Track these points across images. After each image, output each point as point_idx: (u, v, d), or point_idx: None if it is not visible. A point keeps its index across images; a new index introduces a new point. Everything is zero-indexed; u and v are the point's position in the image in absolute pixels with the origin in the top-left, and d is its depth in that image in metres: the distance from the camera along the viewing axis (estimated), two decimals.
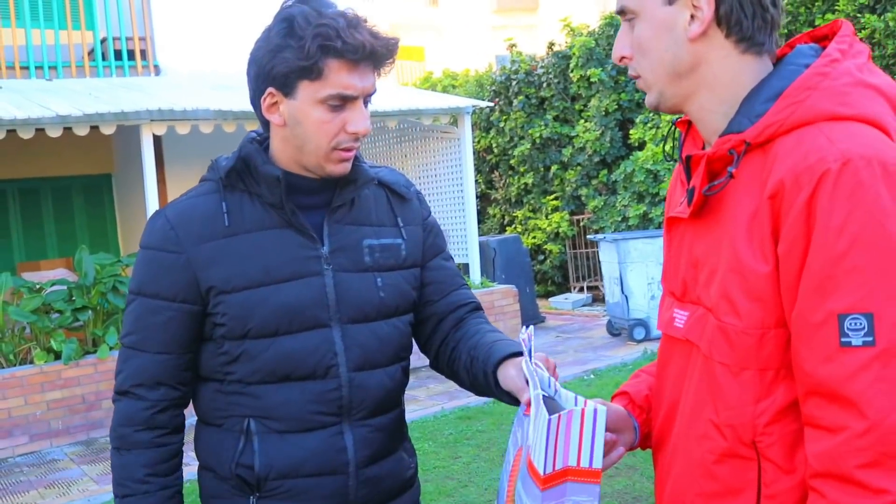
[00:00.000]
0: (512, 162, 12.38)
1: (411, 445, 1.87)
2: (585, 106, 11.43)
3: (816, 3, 8.46)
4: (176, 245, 1.66)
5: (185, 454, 1.79)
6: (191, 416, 1.78)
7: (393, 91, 10.07)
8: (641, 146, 10.55)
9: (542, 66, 11.96)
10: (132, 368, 1.70)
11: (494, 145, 12.71)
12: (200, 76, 8.98)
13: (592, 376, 7.36)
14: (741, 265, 1.21)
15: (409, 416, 7.03)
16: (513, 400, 1.61)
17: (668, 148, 1.52)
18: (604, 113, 10.87)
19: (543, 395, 1.38)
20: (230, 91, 8.22)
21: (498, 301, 8.86)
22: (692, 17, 1.26)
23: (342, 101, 1.59)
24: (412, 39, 22.22)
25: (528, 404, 1.49)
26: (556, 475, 1.35)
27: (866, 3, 7.94)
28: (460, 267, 9.75)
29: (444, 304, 1.85)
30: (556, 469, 1.35)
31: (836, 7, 8.16)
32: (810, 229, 1.13)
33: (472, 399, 6.76)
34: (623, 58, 1.35)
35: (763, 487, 1.24)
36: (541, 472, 1.35)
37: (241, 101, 7.61)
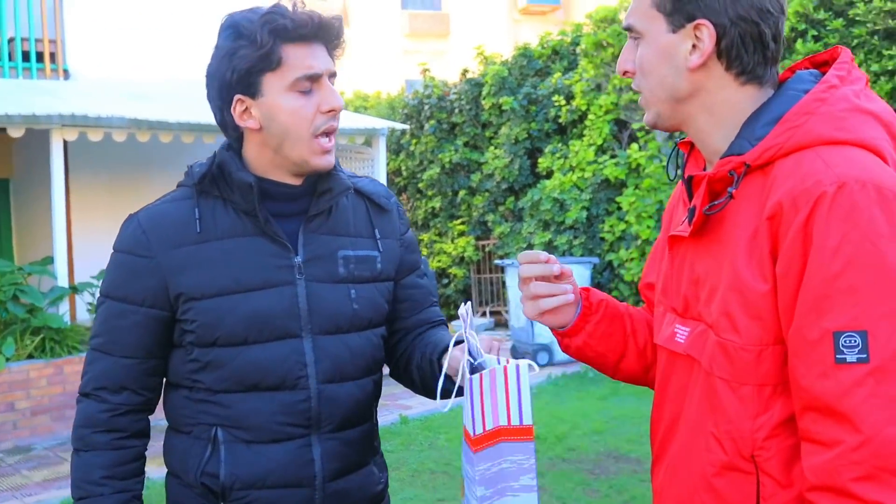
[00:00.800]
0: (420, 185, 12.45)
1: (383, 460, 1.88)
2: (496, 133, 11.61)
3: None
4: (146, 249, 1.65)
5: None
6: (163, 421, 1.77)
7: None
8: (549, 175, 10.76)
9: (454, 92, 12.09)
10: (96, 371, 1.69)
11: (404, 168, 12.76)
12: (112, 83, 8.74)
13: None
14: (741, 283, 1.26)
15: None
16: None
17: (670, 170, 1.59)
18: (514, 141, 11.05)
19: (470, 362, 1.42)
20: (144, 100, 8.04)
21: None
22: (694, 47, 1.32)
23: (309, 83, 1.60)
24: None
25: None
26: (488, 436, 1.40)
27: (820, 49, 8.35)
28: None
29: (414, 321, 1.87)
30: (486, 430, 1.40)
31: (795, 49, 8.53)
32: (807, 250, 1.18)
33: (381, 419, 6.75)
34: (626, 72, 1.42)
35: (761, 501, 1.28)
36: (471, 434, 1.40)
37: (155, 110, 7.46)
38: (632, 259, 9.38)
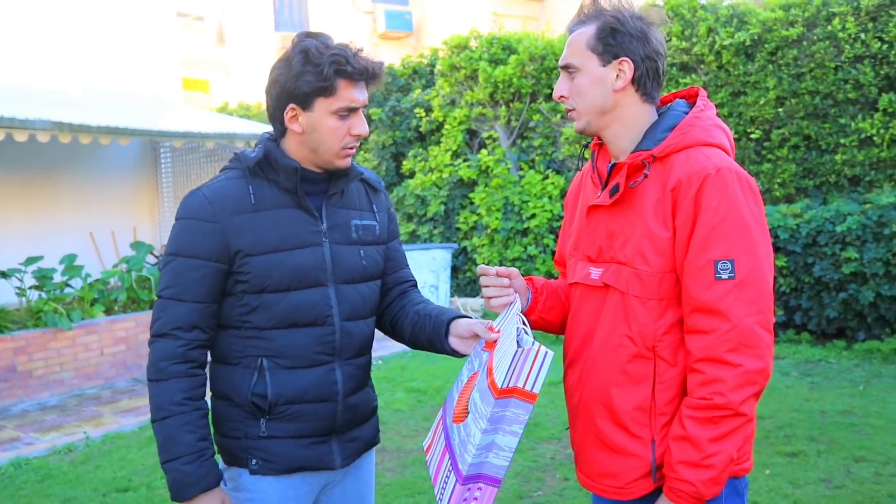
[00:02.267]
0: None
1: (373, 385, 2.08)
2: (366, 140, 11.75)
3: (554, 72, 9.35)
4: (212, 216, 1.80)
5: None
6: None
7: (212, 116, 9.85)
8: (412, 175, 11.01)
9: None
10: (171, 315, 1.81)
11: None
12: (32, 90, 8.33)
13: (380, 362, 7.64)
14: (651, 232, 1.63)
15: None
16: (452, 351, 1.90)
17: (581, 164, 1.91)
18: (381, 146, 11.23)
19: (519, 331, 1.66)
20: (64, 106, 7.72)
21: None
22: (617, 76, 1.68)
23: (348, 112, 1.81)
24: (199, 74, 21.51)
25: (487, 342, 1.78)
26: (509, 391, 1.62)
27: None
28: None
29: (394, 277, 2.09)
30: (509, 386, 1.61)
31: None
32: (697, 210, 1.58)
33: None
34: (562, 97, 1.75)
35: (657, 377, 1.65)
36: (499, 386, 1.62)
37: (75, 114, 7.20)
38: (483, 245, 9.75)
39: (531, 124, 9.73)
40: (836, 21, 7.09)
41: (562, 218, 9.30)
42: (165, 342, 1.81)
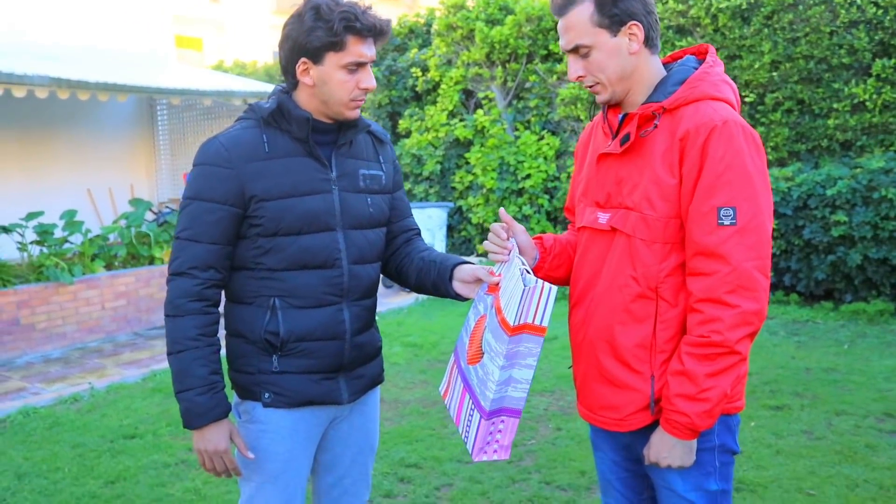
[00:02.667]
0: None
1: (377, 327, 2.20)
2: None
3: (551, 33, 9.37)
4: (228, 162, 1.89)
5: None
6: None
7: (208, 74, 9.84)
8: (408, 134, 11.04)
9: None
10: (188, 255, 1.90)
11: None
12: (24, 43, 8.30)
13: (377, 318, 7.76)
14: (658, 179, 1.71)
15: None
16: (456, 295, 2.01)
17: (592, 112, 1.99)
18: (377, 105, 11.24)
19: (523, 272, 1.76)
20: (59, 61, 7.71)
21: None
22: (630, 39, 1.74)
23: (357, 66, 1.89)
24: (192, 31, 21.34)
25: (490, 286, 1.89)
26: (520, 327, 1.73)
27: None
28: None
29: (399, 226, 2.19)
30: (520, 323, 1.73)
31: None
32: (704, 158, 1.66)
33: None
34: (579, 77, 1.80)
35: (658, 316, 1.75)
36: (511, 324, 1.73)
37: (72, 71, 7.21)
38: (478, 204, 9.84)
39: (527, 85, 9.75)
40: None
41: (556, 178, 9.39)
42: (182, 280, 1.90)
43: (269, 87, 9.00)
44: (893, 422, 4.34)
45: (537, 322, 1.74)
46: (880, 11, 6.97)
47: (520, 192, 9.59)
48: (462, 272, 2.00)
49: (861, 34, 7.03)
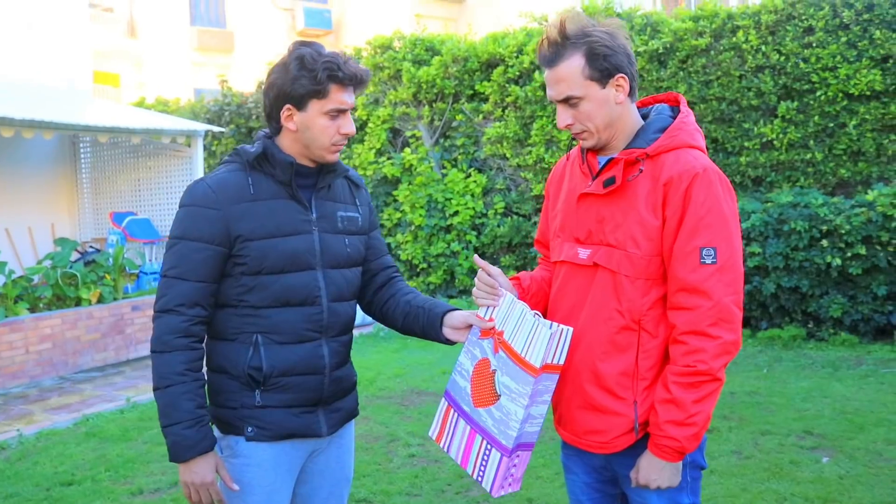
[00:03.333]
0: None
1: (352, 362, 2.27)
2: None
3: (476, 74, 9.64)
4: (216, 203, 1.97)
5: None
6: None
7: (135, 111, 9.69)
8: None
9: (251, 101, 12.09)
10: (175, 292, 1.96)
11: (206, 166, 12.55)
12: None
13: None
14: (642, 220, 1.86)
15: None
16: (446, 341, 2.13)
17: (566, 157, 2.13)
18: None
19: (537, 315, 1.90)
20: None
21: None
22: (617, 91, 1.89)
23: (338, 113, 2.01)
24: (109, 66, 20.92)
25: (482, 331, 2.01)
26: (543, 368, 1.87)
27: (512, 76, 9.22)
28: None
29: (377, 264, 2.29)
30: (543, 364, 1.86)
31: (491, 78, 9.35)
32: (687, 202, 1.82)
33: None
34: (568, 125, 1.93)
35: (640, 346, 1.89)
36: (536, 366, 1.86)
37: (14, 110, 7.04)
38: (407, 241, 9.96)
39: (454, 124, 9.99)
40: (740, 33, 7.62)
41: (484, 215, 9.61)
42: (170, 317, 1.96)
43: (197, 126, 8.94)
44: (813, 439, 4.63)
45: (556, 361, 1.89)
46: (783, 58, 7.50)
47: (448, 229, 9.77)
48: (453, 319, 2.11)
49: (767, 78, 7.54)
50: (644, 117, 2.00)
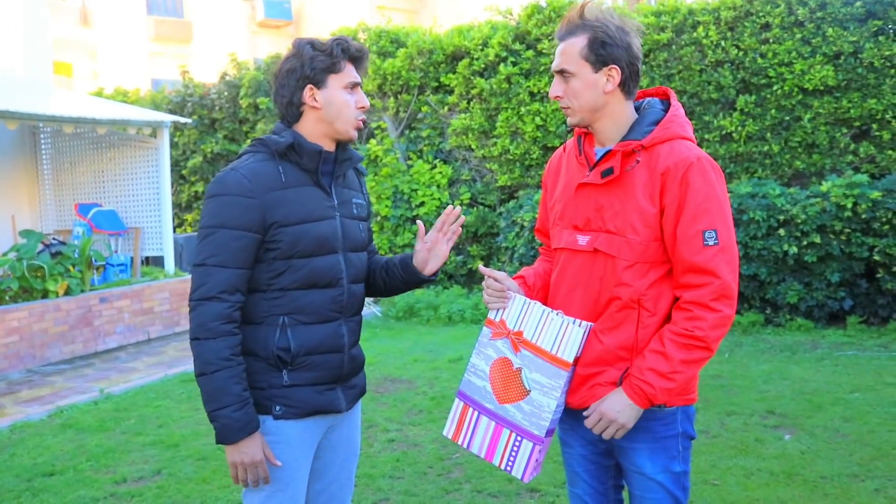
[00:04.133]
0: (184, 172, 12.25)
1: None
2: (252, 128, 11.74)
3: (442, 66, 9.73)
4: (251, 192, 2.05)
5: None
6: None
7: (101, 103, 9.57)
8: None
9: (214, 92, 12.02)
10: (216, 280, 2.03)
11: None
12: None
13: None
14: (640, 208, 1.98)
15: (137, 384, 6.85)
16: (428, 278, 2.34)
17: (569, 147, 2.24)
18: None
19: (560, 313, 2.06)
20: None
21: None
22: (607, 80, 2.01)
23: (353, 87, 2.14)
24: (62, 56, 20.51)
25: (493, 331, 2.14)
26: (574, 362, 2.04)
27: (477, 69, 9.34)
28: (156, 260, 9.57)
29: (370, 248, 2.43)
30: (573, 358, 2.03)
31: (457, 70, 9.45)
32: (685, 190, 1.94)
33: (188, 366, 6.86)
34: (558, 97, 2.06)
35: (640, 322, 2.02)
36: (569, 361, 2.02)
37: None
38: (373, 232, 10.04)
39: (419, 116, 10.08)
40: (700, 29, 7.85)
41: (448, 205, 9.71)
42: (213, 304, 2.02)
43: (164, 117, 8.89)
44: (775, 418, 4.86)
45: (580, 354, 2.07)
46: (741, 53, 7.74)
47: (414, 220, 9.86)
48: (418, 247, 2.33)
49: (726, 73, 7.78)
50: (637, 111, 2.12)
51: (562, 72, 2.04)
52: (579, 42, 2.00)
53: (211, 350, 2.02)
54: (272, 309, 2.11)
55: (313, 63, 2.08)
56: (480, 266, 2.20)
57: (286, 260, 2.09)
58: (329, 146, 2.19)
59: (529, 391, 2.06)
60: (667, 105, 2.11)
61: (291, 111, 2.14)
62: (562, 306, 2.13)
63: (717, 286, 1.92)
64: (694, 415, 2.14)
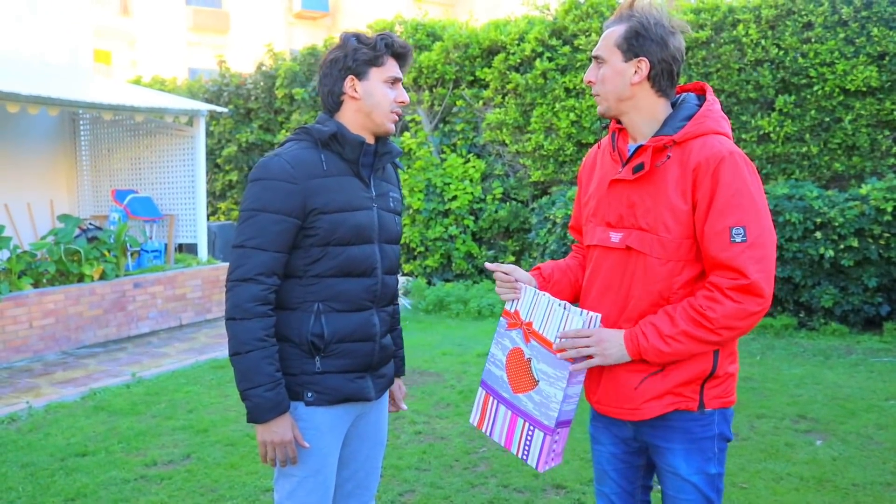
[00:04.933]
0: (218, 161, 12.38)
1: None
2: (287, 118, 11.83)
3: (477, 60, 9.73)
4: (294, 178, 2.08)
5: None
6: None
7: (140, 91, 9.70)
8: None
9: (250, 82, 12.12)
10: (254, 262, 2.06)
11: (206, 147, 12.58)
12: None
13: None
14: (672, 205, 1.96)
15: (168, 368, 6.97)
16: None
17: (605, 140, 2.23)
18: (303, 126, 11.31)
19: (567, 304, 2.05)
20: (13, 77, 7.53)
21: (222, 275, 8.99)
22: (635, 71, 2.00)
23: (394, 82, 2.16)
24: (101, 44, 20.81)
25: (509, 322, 2.15)
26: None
27: (513, 63, 9.32)
28: (190, 247, 9.70)
29: None
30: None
31: (492, 64, 9.44)
32: (716, 185, 1.91)
33: (219, 353, 6.95)
34: (590, 82, 2.07)
35: None
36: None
37: (20, 85, 7.06)
38: (404, 225, 10.07)
39: (454, 109, 10.08)
40: (740, 27, 7.75)
41: (482, 200, 9.72)
42: (249, 286, 2.05)
43: (200, 106, 8.98)
44: (806, 423, 4.80)
45: None
46: (782, 52, 7.63)
47: (446, 213, 9.87)
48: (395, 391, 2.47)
49: (765, 72, 7.67)
50: (672, 106, 2.09)
51: (596, 57, 2.06)
52: (618, 31, 2.01)
53: (246, 330, 2.05)
54: (307, 295, 2.14)
55: (356, 55, 2.12)
56: (486, 263, 2.20)
57: (323, 247, 2.11)
58: (370, 138, 2.21)
59: (538, 381, 2.07)
60: (702, 100, 2.08)
61: (332, 100, 2.17)
62: (593, 305, 2.13)
63: (744, 284, 1.88)
64: (731, 417, 2.11)
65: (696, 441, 2.03)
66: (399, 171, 2.41)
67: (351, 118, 2.18)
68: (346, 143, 2.14)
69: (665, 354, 1.93)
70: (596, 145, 2.29)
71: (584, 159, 2.33)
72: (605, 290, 2.10)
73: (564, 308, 2.03)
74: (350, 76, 2.13)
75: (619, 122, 2.12)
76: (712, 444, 2.04)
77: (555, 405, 2.03)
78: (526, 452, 2.11)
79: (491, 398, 2.22)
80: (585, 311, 2.01)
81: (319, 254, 2.12)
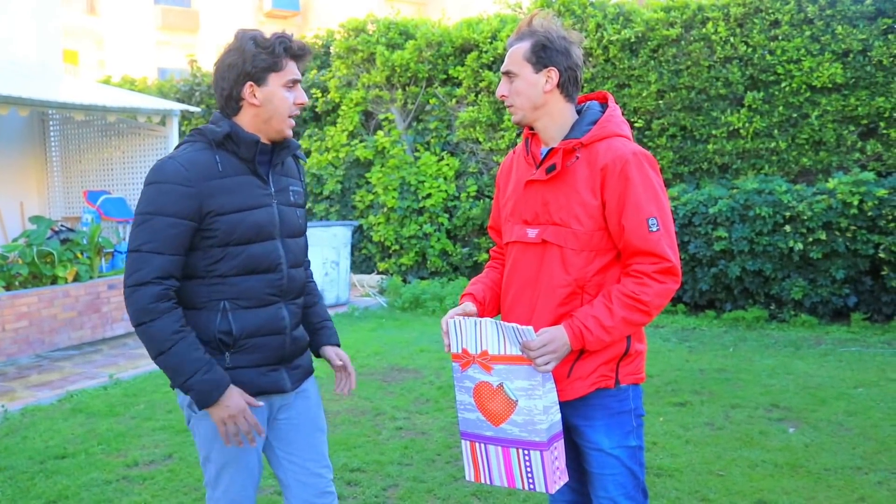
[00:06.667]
0: None
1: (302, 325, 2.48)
2: None
3: (450, 59, 9.77)
4: (188, 181, 2.10)
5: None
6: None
7: (112, 90, 9.61)
8: (307, 154, 11.16)
9: None
10: (151, 266, 2.07)
11: (175, 145, 12.50)
12: None
13: None
14: (583, 201, 2.14)
15: (145, 370, 6.99)
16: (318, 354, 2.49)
17: (519, 144, 2.39)
18: None
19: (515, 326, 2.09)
20: None
21: None
22: (546, 81, 2.16)
23: (293, 84, 2.19)
24: (68, 44, 20.54)
25: (461, 363, 2.18)
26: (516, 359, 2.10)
27: (486, 62, 9.38)
28: None
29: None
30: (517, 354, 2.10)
31: (465, 62, 9.49)
32: (625, 182, 2.10)
33: None
34: (503, 96, 2.23)
35: (583, 304, 2.15)
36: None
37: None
38: (379, 223, 10.09)
39: (427, 108, 10.11)
40: (709, 25, 7.88)
41: (456, 198, 9.78)
42: (148, 289, 2.06)
43: (173, 106, 8.93)
44: (779, 411, 4.92)
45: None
46: (750, 49, 7.77)
47: (420, 211, 9.91)
48: (327, 353, 2.48)
49: (735, 69, 7.81)
50: (578, 113, 2.27)
51: (507, 73, 2.21)
52: (525, 46, 2.17)
53: (159, 329, 2.06)
54: (212, 294, 2.17)
55: (255, 61, 2.12)
56: (443, 322, 2.23)
57: (223, 247, 2.15)
58: (265, 140, 2.23)
59: (516, 401, 2.09)
60: (605, 108, 2.27)
61: (231, 105, 2.20)
62: (514, 298, 2.27)
63: (664, 266, 2.10)
64: (642, 394, 2.29)
65: (614, 415, 2.19)
66: (302, 162, 2.44)
67: (249, 122, 2.20)
68: (240, 143, 2.17)
69: (603, 341, 2.11)
70: (512, 151, 2.44)
71: (501, 165, 2.49)
72: (524, 282, 2.25)
73: (514, 326, 2.08)
74: (249, 82, 2.14)
75: (531, 128, 2.28)
76: (629, 418, 2.21)
77: (540, 417, 2.06)
78: (531, 480, 2.11)
79: (477, 445, 2.20)
80: (529, 326, 2.08)
81: (220, 254, 2.15)
